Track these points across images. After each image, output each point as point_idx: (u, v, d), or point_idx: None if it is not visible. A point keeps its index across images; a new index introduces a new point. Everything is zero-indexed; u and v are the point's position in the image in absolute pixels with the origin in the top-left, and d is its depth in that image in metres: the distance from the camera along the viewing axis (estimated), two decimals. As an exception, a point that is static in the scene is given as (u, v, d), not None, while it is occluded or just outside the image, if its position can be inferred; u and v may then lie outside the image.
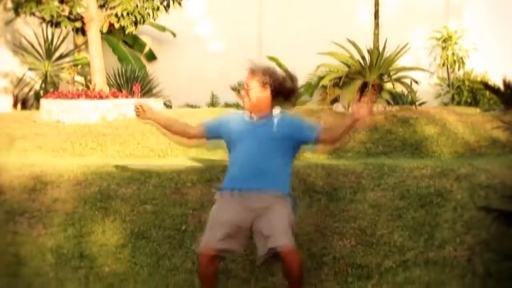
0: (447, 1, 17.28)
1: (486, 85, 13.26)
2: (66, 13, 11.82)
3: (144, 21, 12.21)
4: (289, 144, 5.96)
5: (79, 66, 14.79)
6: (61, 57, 15.15)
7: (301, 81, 16.00)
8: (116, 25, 12.07)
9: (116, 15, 11.91)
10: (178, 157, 9.62)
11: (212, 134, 6.12)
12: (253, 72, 6.02)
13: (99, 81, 11.97)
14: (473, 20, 16.99)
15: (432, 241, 6.71)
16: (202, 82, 16.72)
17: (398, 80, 11.82)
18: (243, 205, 5.80)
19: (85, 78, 14.97)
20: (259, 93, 6.00)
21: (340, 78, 11.49)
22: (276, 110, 6.08)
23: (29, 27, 14.88)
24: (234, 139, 6.03)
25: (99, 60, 12.05)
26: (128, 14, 11.87)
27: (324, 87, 13.67)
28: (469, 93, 15.80)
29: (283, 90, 6.07)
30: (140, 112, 6.03)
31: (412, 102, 12.41)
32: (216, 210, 5.87)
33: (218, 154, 9.02)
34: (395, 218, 7.04)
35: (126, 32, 12.37)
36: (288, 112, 6.21)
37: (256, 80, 6.00)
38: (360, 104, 5.74)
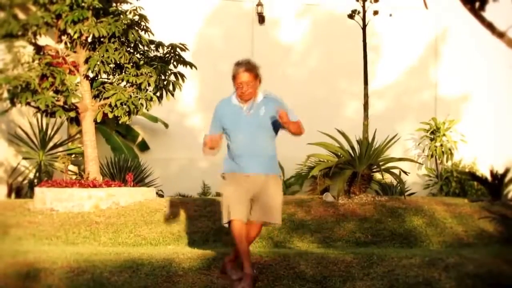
0: (435, 92, 17.58)
1: (474, 176, 13.41)
2: (61, 103, 11.89)
3: (137, 112, 12.25)
4: (273, 127, 7.36)
5: (73, 156, 14.89)
6: (55, 146, 15.23)
7: (291, 171, 16.18)
8: (110, 115, 12.08)
9: (110, 105, 11.97)
10: (170, 245, 9.71)
11: (220, 131, 7.48)
12: (249, 69, 7.31)
13: (93, 170, 12.04)
14: (461, 112, 17.28)
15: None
16: (193, 172, 16.87)
17: (387, 170, 11.95)
18: (244, 183, 7.25)
19: (79, 167, 15.06)
20: (255, 84, 7.35)
21: (329, 168, 11.63)
22: (260, 95, 7.42)
23: (24, 117, 15.01)
24: (229, 129, 7.43)
25: (93, 149, 12.13)
26: (122, 104, 11.94)
27: (314, 177, 13.77)
28: (457, 184, 15.93)
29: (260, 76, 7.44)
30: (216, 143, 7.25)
31: (401, 193, 12.52)
32: (227, 191, 7.30)
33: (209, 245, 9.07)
34: (384, 306, 7.12)
35: (120, 122, 12.39)
36: (270, 95, 7.48)
37: (253, 76, 7.32)
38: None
